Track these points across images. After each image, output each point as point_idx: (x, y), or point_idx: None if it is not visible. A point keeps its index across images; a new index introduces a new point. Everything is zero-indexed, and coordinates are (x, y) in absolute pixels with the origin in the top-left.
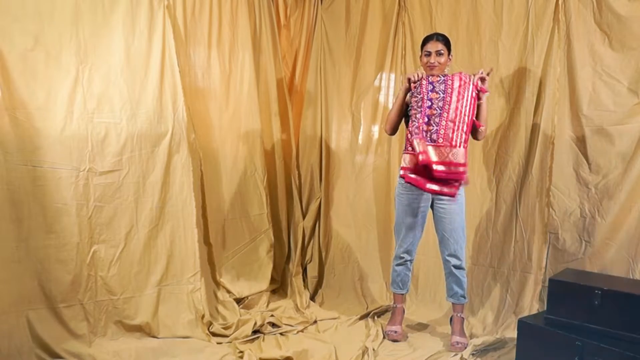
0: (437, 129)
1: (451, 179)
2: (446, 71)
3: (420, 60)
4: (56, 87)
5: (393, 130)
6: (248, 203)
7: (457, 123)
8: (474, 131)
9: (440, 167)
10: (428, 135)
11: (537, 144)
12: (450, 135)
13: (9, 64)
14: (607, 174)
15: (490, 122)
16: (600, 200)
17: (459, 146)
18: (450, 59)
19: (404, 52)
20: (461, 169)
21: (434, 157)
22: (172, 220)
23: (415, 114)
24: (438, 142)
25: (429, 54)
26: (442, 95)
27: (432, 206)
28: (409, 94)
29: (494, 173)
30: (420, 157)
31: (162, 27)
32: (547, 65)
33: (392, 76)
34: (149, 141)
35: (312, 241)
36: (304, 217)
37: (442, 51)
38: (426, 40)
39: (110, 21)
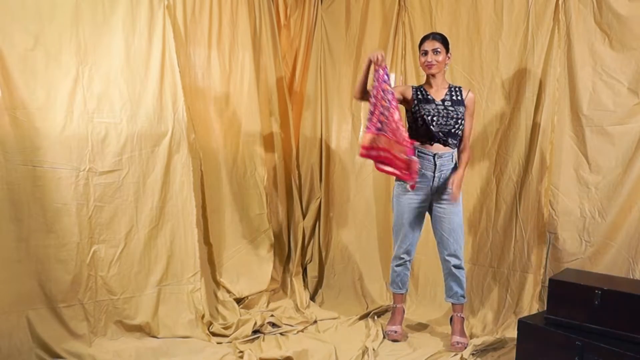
0: (387, 122)
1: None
2: (446, 69)
3: (419, 60)
4: (56, 87)
5: (360, 96)
6: (248, 203)
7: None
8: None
9: (383, 154)
10: (382, 126)
11: (537, 144)
12: (396, 130)
13: (9, 64)
14: (607, 174)
15: (490, 122)
16: (600, 200)
17: (402, 144)
18: (449, 58)
19: (404, 52)
20: (401, 163)
21: (379, 144)
22: (172, 220)
23: (371, 102)
24: (388, 135)
25: (425, 53)
26: (391, 90)
27: (430, 208)
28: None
29: (494, 173)
30: (362, 151)
31: (162, 27)
32: (547, 65)
33: (392, 76)
34: (149, 141)
35: (312, 241)
36: (304, 217)
37: (439, 49)
38: (423, 40)
39: (110, 21)
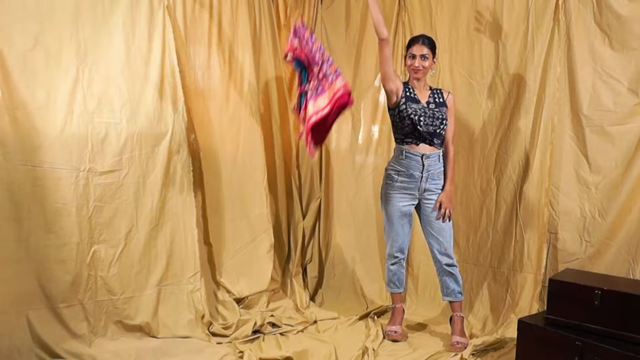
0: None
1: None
2: (432, 72)
3: (405, 60)
4: (56, 87)
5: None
6: (248, 203)
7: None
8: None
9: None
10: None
11: (537, 144)
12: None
13: (9, 64)
14: (607, 174)
15: (490, 122)
16: (600, 200)
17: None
18: (434, 62)
19: (404, 52)
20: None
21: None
22: (172, 220)
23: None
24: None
25: (413, 57)
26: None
27: (418, 207)
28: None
29: (494, 173)
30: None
31: (162, 27)
32: (547, 65)
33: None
34: (149, 141)
35: (312, 241)
36: (304, 217)
37: (427, 55)
38: (412, 42)
39: (110, 21)
